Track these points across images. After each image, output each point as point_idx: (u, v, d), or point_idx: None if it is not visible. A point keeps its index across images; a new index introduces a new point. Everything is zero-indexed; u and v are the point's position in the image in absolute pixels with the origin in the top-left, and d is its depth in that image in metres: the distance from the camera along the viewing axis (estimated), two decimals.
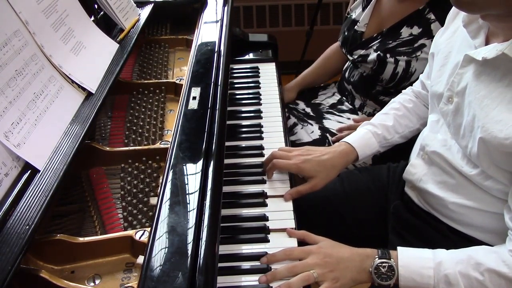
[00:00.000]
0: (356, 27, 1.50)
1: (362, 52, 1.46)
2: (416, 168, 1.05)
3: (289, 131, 1.53)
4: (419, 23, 1.35)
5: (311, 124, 1.52)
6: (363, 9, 1.50)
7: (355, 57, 1.48)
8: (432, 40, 1.27)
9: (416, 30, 1.35)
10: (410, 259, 0.87)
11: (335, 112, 1.57)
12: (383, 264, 0.87)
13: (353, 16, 1.54)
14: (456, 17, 1.02)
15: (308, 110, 1.61)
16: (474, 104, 0.87)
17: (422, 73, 1.31)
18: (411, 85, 1.32)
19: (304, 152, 1.12)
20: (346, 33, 1.54)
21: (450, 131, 0.96)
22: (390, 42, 1.39)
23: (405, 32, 1.37)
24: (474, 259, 0.84)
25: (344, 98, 1.60)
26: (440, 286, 0.85)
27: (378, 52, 1.40)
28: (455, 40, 0.99)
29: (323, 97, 1.67)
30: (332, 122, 1.52)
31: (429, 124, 1.07)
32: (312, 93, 1.70)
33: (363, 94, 1.52)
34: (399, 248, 0.89)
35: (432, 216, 1.03)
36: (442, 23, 1.26)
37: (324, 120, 1.54)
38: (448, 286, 0.84)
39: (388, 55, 1.38)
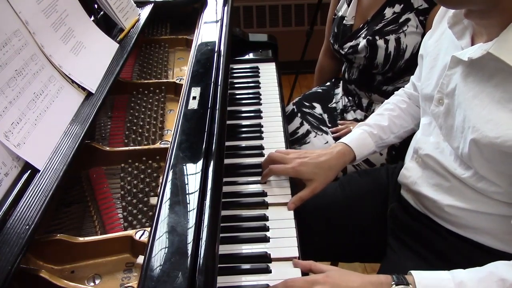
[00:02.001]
0: (344, 21, 1.54)
1: (351, 43, 1.48)
2: (410, 171, 1.05)
3: (301, 139, 1.53)
4: (399, 0, 1.39)
5: (326, 133, 1.51)
6: (348, 5, 1.54)
7: (346, 50, 1.50)
8: (415, 13, 1.35)
9: (397, 8, 1.39)
10: (429, 281, 0.82)
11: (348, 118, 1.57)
12: None
13: (340, 14, 1.57)
14: (443, 19, 1.02)
15: (325, 117, 1.60)
16: (463, 105, 0.87)
17: (414, 47, 1.36)
18: (406, 63, 1.36)
19: (301, 155, 1.11)
20: (336, 30, 1.57)
21: (442, 133, 0.96)
22: (376, 26, 1.42)
23: (388, 12, 1.41)
24: (497, 276, 0.79)
25: (351, 103, 1.59)
26: None
27: (367, 37, 1.42)
28: (442, 42, 0.99)
29: (338, 97, 1.66)
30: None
31: (421, 127, 1.07)
32: (328, 94, 1.69)
33: (366, 89, 1.52)
34: (413, 272, 0.84)
35: (429, 219, 1.03)
36: None
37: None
38: None
39: (377, 37, 1.40)
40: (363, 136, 1.16)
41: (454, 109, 0.91)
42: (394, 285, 0.81)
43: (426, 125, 1.04)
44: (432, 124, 1.02)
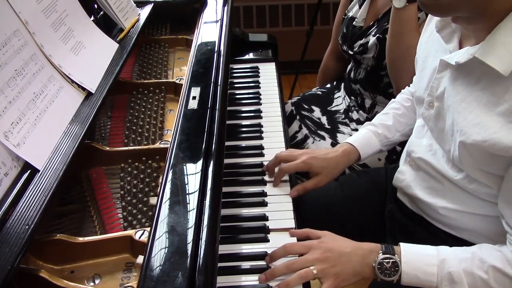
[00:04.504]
0: (354, 23, 1.52)
1: (361, 41, 1.46)
2: (404, 175, 1.05)
3: (300, 144, 1.53)
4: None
5: (324, 139, 1.51)
6: (360, 7, 1.52)
7: (356, 49, 1.48)
8: (424, 12, 1.30)
9: None
10: (414, 255, 0.86)
11: (348, 122, 1.56)
12: (387, 260, 0.86)
13: (350, 14, 1.55)
14: (431, 22, 1.03)
15: (324, 119, 1.59)
16: (452, 108, 0.87)
17: None
18: None
19: (308, 151, 1.14)
20: (345, 31, 1.55)
21: (434, 136, 0.96)
22: (386, 23, 1.39)
23: None
24: (478, 257, 0.83)
25: (353, 103, 1.59)
26: (443, 284, 0.83)
27: (377, 35, 1.41)
28: (431, 45, 1.00)
29: (339, 100, 1.66)
30: (346, 136, 1.50)
31: (415, 130, 1.07)
32: (328, 97, 1.69)
33: (371, 90, 1.51)
34: (402, 244, 0.88)
35: (425, 220, 1.03)
36: None
37: (338, 134, 1.52)
38: (451, 284, 0.83)
39: (387, 36, 1.37)
40: (368, 135, 1.17)
41: (444, 112, 0.91)
42: (381, 254, 0.87)
43: (420, 127, 1.05)
44: (425, 126, 1.02)
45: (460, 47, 0.89)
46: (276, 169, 1.12)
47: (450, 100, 0.88)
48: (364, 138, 1.17)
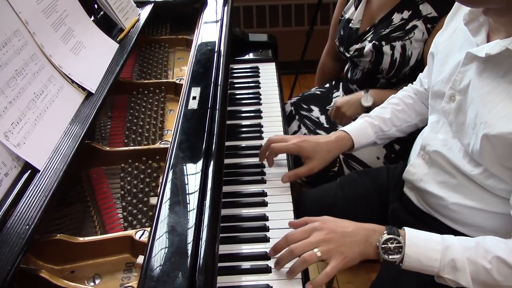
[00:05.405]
0: (350, 24, 1.52)
1: (357, 46, 1.47)
2: (416, 168, 1.05)
3: None
4: (408, 6, 1.37)
5: None
6: (356, 8, 1.52)
7: (352, 52, 1.49)
8: (422, 21, 1.34)
9: (406, 14, 1.37)
10: (418, 239, 0.85)
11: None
12: (392, 240, 0.85)
13: (347, 16, 1.55)
14: (454, 17, 1.03)
15: (322, 118, 1.60)
16: (476, 101, 0.87)
17: (419, 54, 1.36)
18: (411, 70, 1.35)
19: (300, 135, 1.16)
20: (342, 33, 1.55)
21: (452, 130, 0.96)
22: (383, 30, 1.40)
23: (396, 18, 1.39)
24: (483, 247, 0.83)
25: None
26: (445, 271, 0.83)
27: (373, 41, 1.41)
28: (455, 40, 1.00)
29: (337, 99, 1.66)
30: None
31: (429, 125, 1.07)
32: (327, 96, 1.69)
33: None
34: (406, 228, 0.88)
35: (431, 217, 1.03)
36: (430, 3, 1.33)
37: None
38: (453, 271, 0.83)
39: (383, 43, 1.38)
40: (364, 125, 1.17)
41: (466, 106, 0.91)
42: (385, 234, 0.86)
43: (434, 122, 1.04)
44: (440, 122, 1.02)
45: (488, 40, 0.89)
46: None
47: (474, 93, 0.88)
48: (359, 128, 1.17)
